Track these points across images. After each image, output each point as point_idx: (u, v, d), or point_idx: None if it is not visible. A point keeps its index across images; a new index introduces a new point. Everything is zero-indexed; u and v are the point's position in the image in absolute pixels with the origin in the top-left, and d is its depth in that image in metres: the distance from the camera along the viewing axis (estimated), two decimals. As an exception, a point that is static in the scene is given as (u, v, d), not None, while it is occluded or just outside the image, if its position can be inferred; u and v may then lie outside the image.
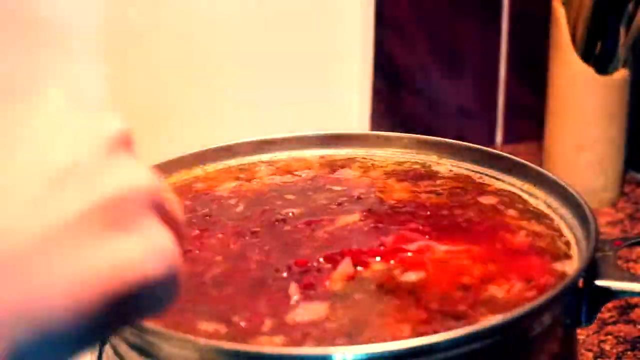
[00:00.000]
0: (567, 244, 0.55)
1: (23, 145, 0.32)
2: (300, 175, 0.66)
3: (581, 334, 0.72)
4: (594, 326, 0.73)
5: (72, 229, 0.31)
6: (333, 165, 0.68)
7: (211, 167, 0.67)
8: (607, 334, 0.73)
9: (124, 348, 0.48)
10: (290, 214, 0.60)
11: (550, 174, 0.61)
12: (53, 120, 0.33)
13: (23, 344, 0.30)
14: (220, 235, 0.57)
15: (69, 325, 0.31)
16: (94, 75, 0.39)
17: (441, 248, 0.54)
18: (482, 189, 0.63)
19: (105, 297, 0.32)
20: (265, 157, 0.68)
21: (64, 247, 0.31)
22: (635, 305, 0.76)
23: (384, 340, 0.45)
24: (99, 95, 0.37)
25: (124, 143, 0.34)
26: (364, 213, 0.59)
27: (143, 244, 0.33)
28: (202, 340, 0.44)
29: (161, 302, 0.35)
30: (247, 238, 0.57)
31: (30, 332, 0.30)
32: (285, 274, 0.52)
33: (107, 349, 0.49)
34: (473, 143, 0.66)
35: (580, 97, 0.92)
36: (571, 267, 0.53)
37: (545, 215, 0.59)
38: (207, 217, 0.60)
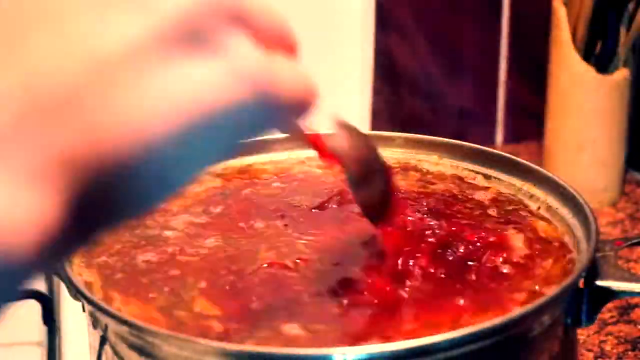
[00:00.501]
0: (568, 243, 0.55)
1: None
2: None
3: (581, 334, 0.72)
4: (594, 326, 0.73)
5: (134, 52, 0.27)
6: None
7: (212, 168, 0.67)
8: (607, 334, 0.73)
9: (123, 348, 0.48)
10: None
11: (550, 174, 0.61)
12: None
13: (87, 192, 0.26)
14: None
15: (145, 167, 0.27)
16: None
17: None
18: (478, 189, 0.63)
19: (182, 127, 0.27)
20: (265, 157, 0.68)
21: (128, 74, 0.27)
22: (636, 306, 0.76)
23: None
24: None
25: None
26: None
27: (223, 65, 0.29)
28: (202, 341, 0.44)
29: (257, 128, 0.31)
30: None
31: (95, 178, 0.26)
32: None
33: (107, 349, 0.49)
34: (473, 143, 0.66)
35: (580, 97, 0.92)
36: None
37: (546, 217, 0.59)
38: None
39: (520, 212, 0.59)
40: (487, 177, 0.64)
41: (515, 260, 0.53)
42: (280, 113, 0.32)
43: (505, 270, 0.52)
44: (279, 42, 0.32)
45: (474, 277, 0.51)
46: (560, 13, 0.91)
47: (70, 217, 0.26)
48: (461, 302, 0.49)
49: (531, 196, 0.61)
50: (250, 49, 0.30)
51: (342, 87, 1.02)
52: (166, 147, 0.27)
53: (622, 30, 0.90)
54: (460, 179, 0.64)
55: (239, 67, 0.29)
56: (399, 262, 0.51)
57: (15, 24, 0.27)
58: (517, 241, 0.55)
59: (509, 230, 0.56)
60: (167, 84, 0.27)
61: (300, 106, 0.33)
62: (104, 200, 0.27)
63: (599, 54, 0.91)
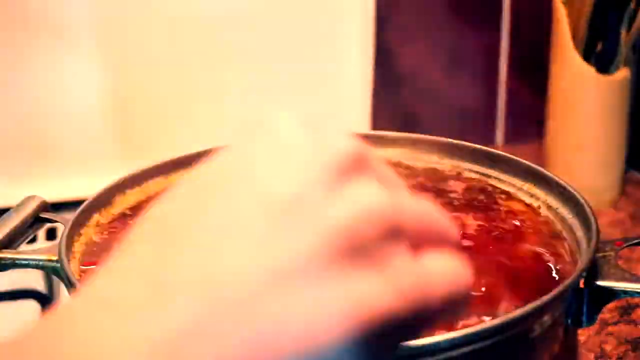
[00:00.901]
0: (568, 243, 0.55)
1: (242, 181, 0.30)
2: None
3: (582, 334, 0.72)
4: (595, 327, 0.73)
5: (303, 266, 0.28)
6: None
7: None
8: (608, 335, 0.73)
9: (123, 349, 0.47)
10: None
11: (550, 174, 0.61)
12: (273, 148, 0.31)
13: None
14: None
15: None
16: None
17: None
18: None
19: (343, 338, 0.29)
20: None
21: (296, 287, 0.28)
22: (637, 306, 0.76)
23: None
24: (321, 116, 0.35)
25: (356, 163, 0.31)
26: None
27: (383, 279, 0.30)
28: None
29: (406, 335, 0.32)
30: None
31: None
32: None
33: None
34: (473, 143, 0.66)
35: (581, 97, 0.92)
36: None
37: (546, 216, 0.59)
38: None
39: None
40: (486, 177, 0.64)
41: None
42: (430, 319, 0.32)
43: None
44: (437, 241, 0.33)
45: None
46: (560, 13, 0.91)
47: None
48: None
49: (531, 196, 0.61)
50: (408, 261, 0.31)
51: (342, 87, 1.02)
52: (326, 356, 0.29)
53: (623, 30, 0.90)
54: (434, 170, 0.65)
55: (397, 282, 0.30)
56: None
57: (199, 228, 0.29)
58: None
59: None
60: (331, 296, 0.29)
61: (452, 307, 0.33)
62: None
63: (599, 53, 0.91)
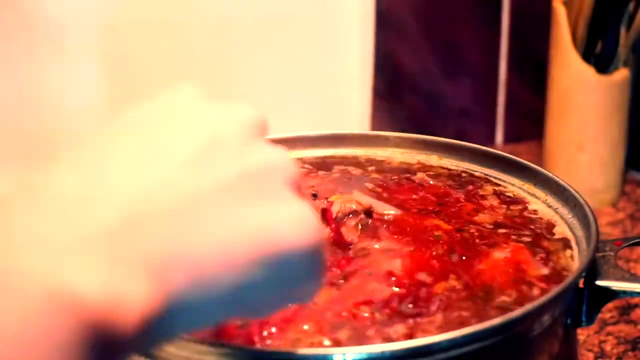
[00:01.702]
0: (568, 244, 0.55)
1: (168, 122, 0.35)
2: None
3: (582, 334, 0.72)
4: (594, 326, 0.73)
5: (223, 193, 0.33)
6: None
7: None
8: (607, 334, 0.73)
9: (123, 348, 0.47)
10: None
11: (550, 174, 0.61)
12: (192, 106, 0.36)
13: (180, 292, 0.31)
14: None
15: (222, 283, 0.33)
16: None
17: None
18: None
19: (254, 259, 0.33)
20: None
21: (216, 208, 0.33)
22: (636, 306, 0.76)
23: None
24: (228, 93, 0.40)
25: (261, 129, 0.37)
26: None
27: (288, 213, 0.34)
28: (202, 341, 0.44)
29: (305, 281, 0.36)
30: None
31: (189, 283, 0.32)
32: None
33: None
34: (473, 143, 0.66)
35: (580, 97, 0.92)
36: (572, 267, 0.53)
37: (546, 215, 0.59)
38: None
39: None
40: (486, 176, 0.64)
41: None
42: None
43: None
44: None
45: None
46: (560, 13, 0.91)
47: (164, 310, 0.31)
48: None
49: (531, 196, 0.61)
50: (307, 206, 0.36)
51: (342, 87, 1.02)
52: (243, 274, 0.33)
53: (622, 30, 0.90)
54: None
55: (302, 218, 0.35)
56: None
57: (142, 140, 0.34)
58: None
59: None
60: (245, 221, 0.33)
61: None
62: (188, 305, 0.32)
63: (599, 53, 0.91)
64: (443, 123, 1.08)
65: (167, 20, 0.94)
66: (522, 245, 0.55)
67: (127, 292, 0.30)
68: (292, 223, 0.34)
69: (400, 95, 1.07)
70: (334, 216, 0.56)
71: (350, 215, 0.56)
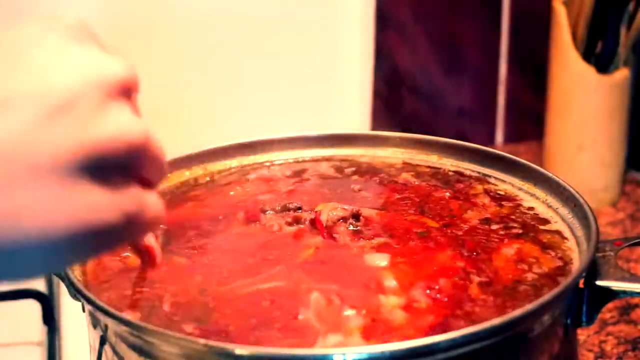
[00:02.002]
0: (568, 244, 0.56)
1: (23, 72, 0.33)
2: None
3: (582, 334, 0.72)
4: (594, 326, 0.73)
5: (55, 166, 0.33)
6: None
7: (211, 167, 0.67)
8: (607, 334, 0.73)
9: (123, 348, 0.48)
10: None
11: (550, 174, 0.61)
12: (55, 52, 0.34)
13: None
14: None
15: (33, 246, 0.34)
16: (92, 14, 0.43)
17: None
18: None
19: (65, 232, 0.34)
20: (265, 157, 0.68)
21: (41, 181, 0.33)
22: (636, 306, 0.76)
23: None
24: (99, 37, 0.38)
25: (124, 88, 0.36)
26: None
27: (111, 199, 0.36)
28: (202, 340, 0.44)
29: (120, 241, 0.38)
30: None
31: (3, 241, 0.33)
32: None
33: (107, 349, 0.49)
34: (473, 143, 0.66)
35: (580, 97, 0.92)
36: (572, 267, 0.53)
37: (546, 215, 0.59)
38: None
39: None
40: (486, 176, 0.64)
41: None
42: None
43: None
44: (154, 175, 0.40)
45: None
46: (560, 13, 0.91)
47: None
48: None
49: (531, 195, 0.61)
50: (137, 191, 0.38)
51: (342, 87, 1.02)
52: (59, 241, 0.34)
53: (623, 30, 0.90)
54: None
55: (123, 204, 0.37)
56: None
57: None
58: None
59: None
60: (65, 200, 0.34)
61: (153, 228, 0.41)
62: None
63: (599, 53, 0.91)
64: (443, 123, 1.08)
65: (167, 20, 0.94)
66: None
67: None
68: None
69: (400, 95, 1.07)
70: (324, 224, 0.57)
71: (340, 221, 0.57)
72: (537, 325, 0.47)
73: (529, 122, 1.08)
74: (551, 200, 0.60)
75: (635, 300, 0.76)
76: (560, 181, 0.59)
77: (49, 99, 0.33)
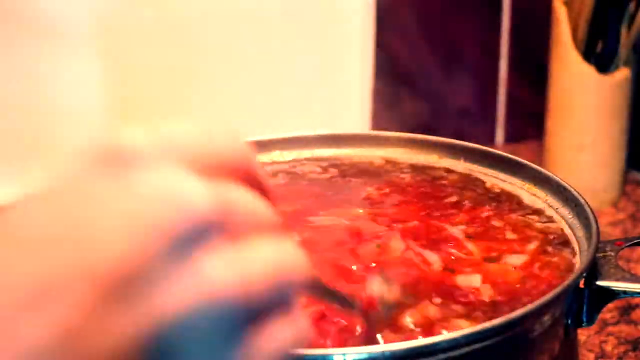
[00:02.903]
0: (568, 244, 0.55)
1: (70, 236, 0.26)
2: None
3: (582, 334, 0.72)
4: (595, 327, 0.72)
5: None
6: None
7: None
8: (608, 335, 0.73)
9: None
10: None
11: (550, 174, 0.61)
12: (116, 201, 0.27)
13: None
14: None
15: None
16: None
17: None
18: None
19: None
20: (265, 157, 0.68)
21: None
22: (637, 306, 0.76)
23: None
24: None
25: (204, 230, 0.26)
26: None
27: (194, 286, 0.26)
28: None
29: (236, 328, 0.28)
30: None
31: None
32: None
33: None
34: (473, 143, 0.66)
35: (581, 97, 0.92)
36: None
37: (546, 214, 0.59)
38: None
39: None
40: (486, 176, 0.64)
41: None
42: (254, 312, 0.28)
43: None
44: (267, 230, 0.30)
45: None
46: (560, 13, 0.91)
47: None
48: None
49: (531, 195, 0.61)
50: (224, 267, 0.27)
51: (342, 87, 1.02)
52: None
53: (623, 30, 0.90)
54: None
55: (213, 290, 0.27)
56: None
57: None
58: None
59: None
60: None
61: (278, 292, 0.29)
62: None
63: (599, 53, 0.91)
64: (443, 123, 1.08)
65: (167, 20, 0.94)
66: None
67: None
68: None
69: (400, 95, 1.06)
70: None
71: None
72: (537, 325, 0.47)
73: (529, 122, 1.08)
74: (552, 200, 0.60)
75: (636, 300, 0.76)
76: (561, 181, 0.59)
77: (100, 279, 0.26)
